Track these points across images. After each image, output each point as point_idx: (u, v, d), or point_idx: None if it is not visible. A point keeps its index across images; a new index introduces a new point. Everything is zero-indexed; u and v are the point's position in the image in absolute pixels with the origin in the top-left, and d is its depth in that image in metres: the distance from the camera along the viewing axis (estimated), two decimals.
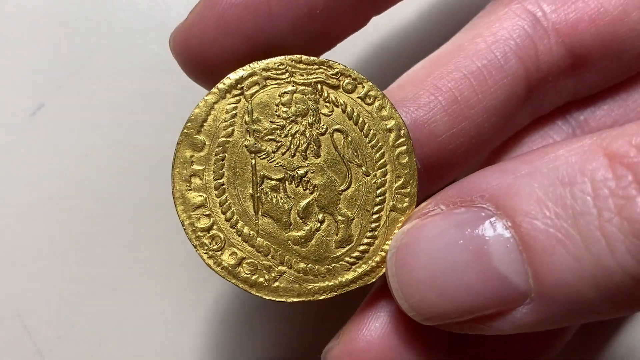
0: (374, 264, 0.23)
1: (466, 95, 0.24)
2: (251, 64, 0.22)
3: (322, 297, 0.23)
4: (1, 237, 0.32)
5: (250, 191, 0.22)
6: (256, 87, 0.22)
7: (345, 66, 0.22)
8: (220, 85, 0.22)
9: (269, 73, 0.22)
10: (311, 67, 0.22)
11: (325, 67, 0.22)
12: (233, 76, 0.22)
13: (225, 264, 0.22)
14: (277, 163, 0.22)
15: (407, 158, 0.23)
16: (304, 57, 0.22)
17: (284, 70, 0.22)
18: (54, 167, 0.33)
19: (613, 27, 0.24)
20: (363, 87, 0.22)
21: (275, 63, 0.22)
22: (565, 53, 0.25)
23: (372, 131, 0.22)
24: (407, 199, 0.23)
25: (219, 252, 0.22)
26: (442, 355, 0.24)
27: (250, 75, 0.22)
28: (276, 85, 0.22)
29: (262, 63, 0.22)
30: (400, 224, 0.23)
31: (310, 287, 0.23)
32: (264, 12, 0.22)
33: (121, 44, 0.33)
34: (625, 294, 0.18)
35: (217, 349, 0.33)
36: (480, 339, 0.26)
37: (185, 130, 0.22)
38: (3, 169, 0.33)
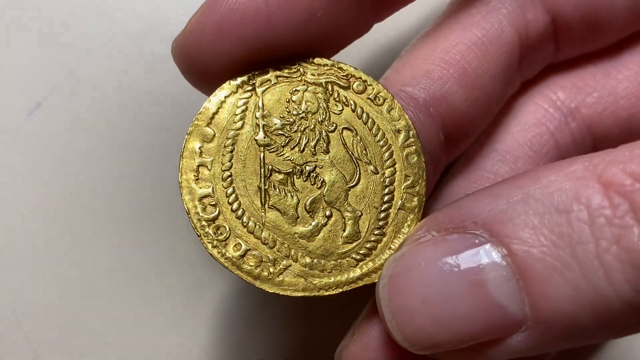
0: (381, 261, 0.22)
1: (474, 66, 0.25)
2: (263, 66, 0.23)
3: (328, 293, 0.22)
4: None
5: (258, 183, 0.22)
6: (267, 84, 0.23)
7: (356, 68, 0.23)
8: (232, 81, 0.23)
9: (281, 72, 0.23)
10: (322, 67, 0.23)
11: (336, 69, 0.23)
12: (245, 73, 0.23)
13: (230, 255, 0.22)
14: (286, 157, 0.22)
15: (415, 158, 0.23)
16: (315, 59, 0.23)
17: (295, 70, 0.23)
18: (50, 167, 0.32)
19: None
20: (373, 88, 0.23)
21: (286, 61, 0.23)
22: (549, 21, 0.26)
23: (381, 131, 0.23)
24: (415, 198, 0.23)
25: (224, 243, 0.22)
26: None
27: (262, 72, 0.23)
28: (287, 83, 0.23)
29: (275, 63, 0.23)
30: (408, 223, 0.23)
31: (315, 282, 0.22)
32: (263, 17, 0.22)
33: (118, 44, 0.34)
34: (623, 321, 0.18)
35: (216, 350, 0.31)
36: None
37: (195, 122, 0.22)
38: None
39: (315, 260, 0.22)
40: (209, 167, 0.22)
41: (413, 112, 0.24)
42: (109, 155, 0.33)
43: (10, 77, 0.33)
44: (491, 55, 0.25)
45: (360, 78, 0.23)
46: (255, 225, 0.22)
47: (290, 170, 0.22)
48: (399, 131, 0.23)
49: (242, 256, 0.22)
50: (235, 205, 0.22)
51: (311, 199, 0.22)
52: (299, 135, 0.23)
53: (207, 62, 0.22)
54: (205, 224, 0.22)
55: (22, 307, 0.31)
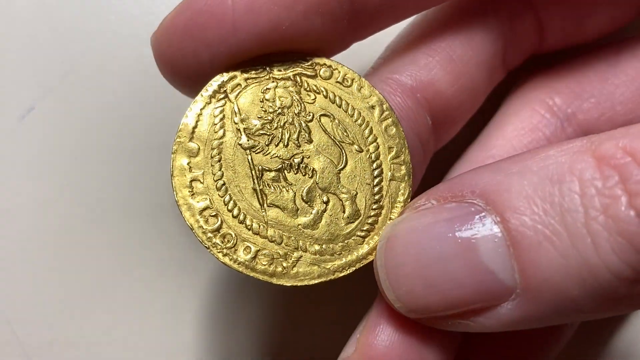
0: None
1: (459, 53, 0.26)
2: (230, 70, 0.23)
3: (342, 274, 0.23)
4: None
5: (252, 185, 0.23)
6: (238, 89, 0.23)
7: (318, 55, 0.24)
8: (203, 92, 0.23)
9: (249, 74, 0.23)
10: (287, 62, 0.24)
11: (300, 60, 0.24)
12: (215, 82, 0.23)
13: (242, 260, 0.22)
14: (273, 154, 0.23)
15: (394, 129, 0.24)
16: (278, 55, 0.24)
17: (262, 69, 0.24)
18: (43, 171, 0.32)
19: None
20: (339, 72, 0.24)
21: (252, 63, 0.23)
22: (532, 14, 0.27)
23: (356, 110, 0.24)
24: (403, 167, 0.24)
25: (233, 249, 0.22)
26: (454, 353, 0.24)
27: (231, 78, 0.23)
28: (257, 84, 0.23)
29: (240, 67, 0.23)
30: (402, 191, 0.23)
31: (329, 266, 0.23)
32: (229, 22, 0.22)
33: (111, 47, 0.34)
34: (609, 292, 0.18)
35: (207, 351, 0.32)
36: (485, 339, 0.26)
37: (177, 140, 0.23)
38: None
39: (323, 246, 0.23)
40: (202, 180, 0.23)
41: (401, 98, 0.25)
42: (102, 158, 0.33)
43: (2, 81, 0.33)
44: (476, 44, 0.26)
45: (325, 64, 0.24)
46: (259, 226, 0.22)
47: (280, 166, 0.23)
48: (372, 107, 0.24)
49: (254, 258, 0.22)
50: (235, 211, 0.22)
51: (306, 189, 0.23)
52: (280, 131, 0.23)
53: (176, 61, 0.23)
54: (211, 235, 0.22)
55: (13, 312, 0.31)
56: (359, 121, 0.24)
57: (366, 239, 0.23)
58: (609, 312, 0.20)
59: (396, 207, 0.23)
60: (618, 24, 0.29)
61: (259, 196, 0.23)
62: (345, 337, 0.24)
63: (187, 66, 0.23)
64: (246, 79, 0.23)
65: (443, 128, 0.27)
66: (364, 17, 0.24)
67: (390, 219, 0.23)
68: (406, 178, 0.23)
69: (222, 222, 0.22)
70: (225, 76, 0.23)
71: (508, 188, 0.19)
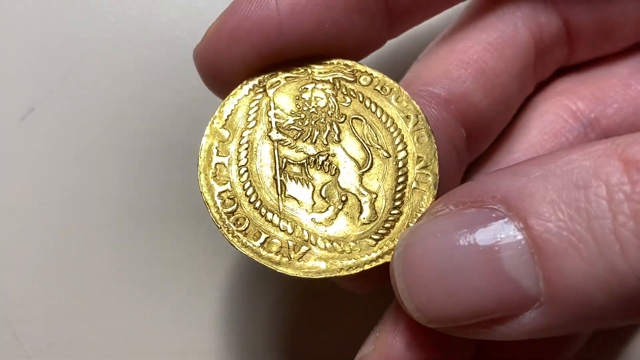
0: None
1: (491, 66, 0.25)
2: (273, 69, 0.24)
3: (348, 273, 0.22)
4: None
5: (274, 175, 0.23)
6: (277, 85, 0.24)
7: (361, 64, 0.24)
8: (244, 85, 0.24)
9: (289, 73, 0.24)
10: (328, 65, 0.24)
11: (342, 65, 0.24)
12: (256, 76, 0.24)
13: (251, 244, 0.22)
14: (299, 149, 0.23)
15: (426, 139, 0.23)
16: (320, 58, 0.24)
17: (303, 70, 0.24)
18: (43, 172, 0.32)
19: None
20: (379, 80, 0.24)
21: (294, 63, 0.24)
22: (562, 25, 0.27)
23: (390, 118, 0.24)
24: (429, 177, 0.23)
25: (244, 233, 0.22)
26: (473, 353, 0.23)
27: (272, 75, 0.24)
28: (296, 83, 0.24)
29: (282, 65, 0.24)
30: (424, 201, 0.23)
31: (337, 263, 0.22)
32: (275, 25, 0.23)
33: (112, 48, 0.34)
34: (637, 300, 0.17)
35: (211, 355, 0.31)
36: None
37: (212, 125, 0.23)
38: None
39: (334, 244, 0.22)
40: (226, 165, 0.23)
41: (436, 110, 0.25)
42: (103, 160, 0.33)
43: (3, 82, 0.34)
44: (507, 56, 0.26)
45: (366, 72, 0.24)
46: (274, 215, 0.23)
47: (304, 160, 0.23)
48: (407, 117, 0.24)
49: (263, 244, 0.22)
50: (252, 198, 0.23)
51: (326, 185, 0.23)
52: (310, 129, 0.23)
53: (222, 68, 0.24)
54: (225, 216, 0.22)
55: (14, 313, 0.31)
56: (392, 128, 0.24)
57: (379, 243, 0.22)
58: (633, 320, 0.19)
59: (416, 215, 0.23)
60: None
61: (279, 186, 0.23)
62: (362, 335, 0.24)
63: (234, 71, 0.24)
64: (286, 78, 0.24)
65: (476, 140, 0.26)
66: (398, 12, 0.25)
67: (408, 226, 0.22)
68: (431, 188, 0.23)
69: (238, 205, 0.23)
70: (267, 73, 0.24)
71: (531, 193, 0.18)
